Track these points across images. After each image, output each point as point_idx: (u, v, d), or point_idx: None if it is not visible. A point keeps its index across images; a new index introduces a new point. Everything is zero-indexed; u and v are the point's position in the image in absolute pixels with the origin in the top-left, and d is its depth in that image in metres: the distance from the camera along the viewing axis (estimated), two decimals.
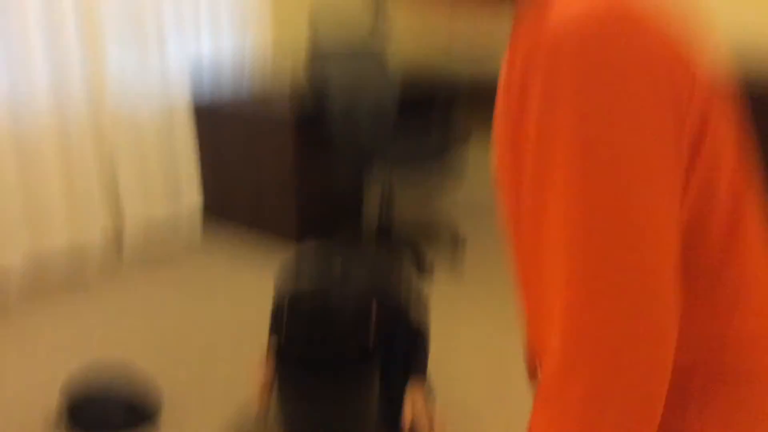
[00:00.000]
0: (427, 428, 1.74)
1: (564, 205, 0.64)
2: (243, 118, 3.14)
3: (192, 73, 3.21)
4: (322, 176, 3.15)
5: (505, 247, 3.16)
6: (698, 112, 0.67)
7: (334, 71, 2.83)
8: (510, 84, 0.69)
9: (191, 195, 3.32)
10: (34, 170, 2.70)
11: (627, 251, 0.62)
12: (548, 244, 0.66)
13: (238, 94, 3.22)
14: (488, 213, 3.28)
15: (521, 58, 0.66)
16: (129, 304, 2.68)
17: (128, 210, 3.08)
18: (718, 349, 0.73)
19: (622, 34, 0.63)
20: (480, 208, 3.71)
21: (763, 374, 0.74)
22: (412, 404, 1.75)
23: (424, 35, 3.91)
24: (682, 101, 0.65)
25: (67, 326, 2.50)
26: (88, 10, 2.77)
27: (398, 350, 1.83)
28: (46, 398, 2.02)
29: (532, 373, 0.96)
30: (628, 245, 0.62)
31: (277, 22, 3.51)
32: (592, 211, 0.62)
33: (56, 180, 2.75)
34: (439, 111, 3.55)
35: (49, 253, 2.79)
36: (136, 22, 2.93)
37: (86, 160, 2.85)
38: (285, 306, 1.58)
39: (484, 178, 3.83)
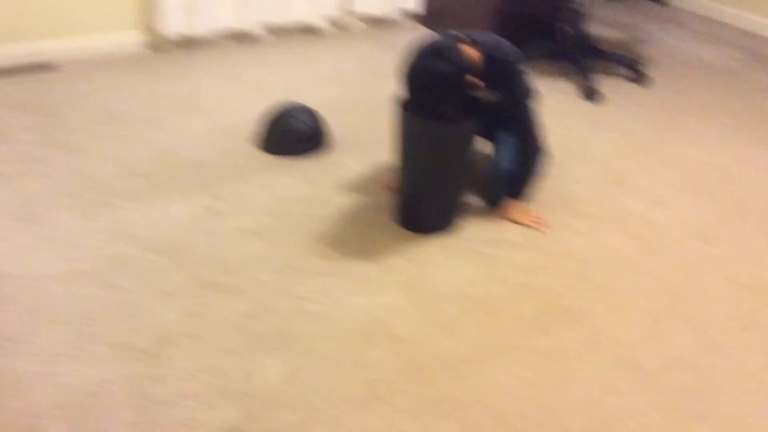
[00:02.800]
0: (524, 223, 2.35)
1: None
2: None
3: None
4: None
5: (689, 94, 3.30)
6: None
7: None
8: None
9: (414, 2, 4.05)
10: None
11: None
12: None
13: None
14: (683, 61, 3.40)
15: None
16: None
17: (356, 4, 3.90)
18: None
19: None
20: (675, 54, 3.80)
21: None
22: (510, 210, 2.37)
23: None
24: None
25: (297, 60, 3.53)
26: None
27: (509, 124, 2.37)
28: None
29: None
30: None
31: None
32: None
33: None
34: None
35: (287, 28, 3.80)
36: None
37: None
38: (404, 69, 2.05)
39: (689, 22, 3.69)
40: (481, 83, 2.10)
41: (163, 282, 2.00)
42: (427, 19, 4.05)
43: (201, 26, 3.47)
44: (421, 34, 3.89)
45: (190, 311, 1.90)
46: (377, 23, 4.05)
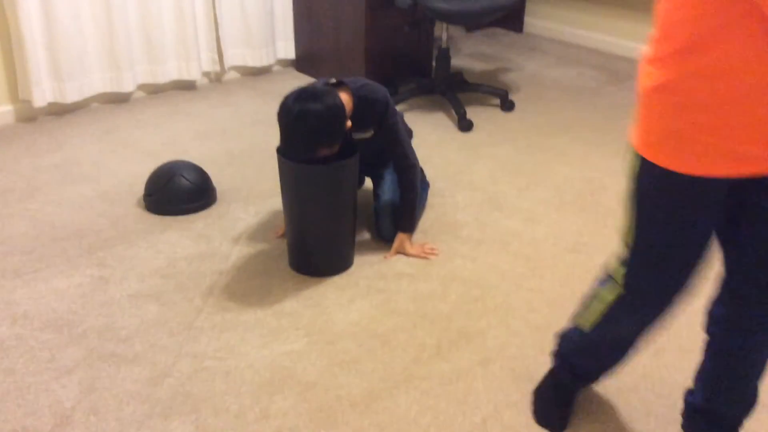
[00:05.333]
0: (414, 254, 2.44)
1: None
2: None
3: None
4: (389, 39, 3.75)
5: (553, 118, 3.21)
6: None
7: None
8: None
9: (286, 50, 4.13)
10: (152, 16, 3.58)
11: None
12: None
13: None
14: (544, 85, 3.47)
15: None
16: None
17: (228, 56, 3.94)
18: None
19: None
20: (536, 79, 3.89)
21: None
22: (399, 244, 2.44)
23: None
24: None
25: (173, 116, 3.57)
26: None
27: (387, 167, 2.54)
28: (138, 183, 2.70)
29: None
30: None
31: None
32: None
33: (170, 25, 3.65)
34: None
35: (161, 84, 3.81)
36: None
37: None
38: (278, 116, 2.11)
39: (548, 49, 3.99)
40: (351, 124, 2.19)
41: (57, 359, 1.94)
42: (302, 65, 4.14)
43: (73, 92, 3.41)
44: (297, 81, 4.04)
45: (88, 386, 1.86)
46: (252, 72, 4.10)
